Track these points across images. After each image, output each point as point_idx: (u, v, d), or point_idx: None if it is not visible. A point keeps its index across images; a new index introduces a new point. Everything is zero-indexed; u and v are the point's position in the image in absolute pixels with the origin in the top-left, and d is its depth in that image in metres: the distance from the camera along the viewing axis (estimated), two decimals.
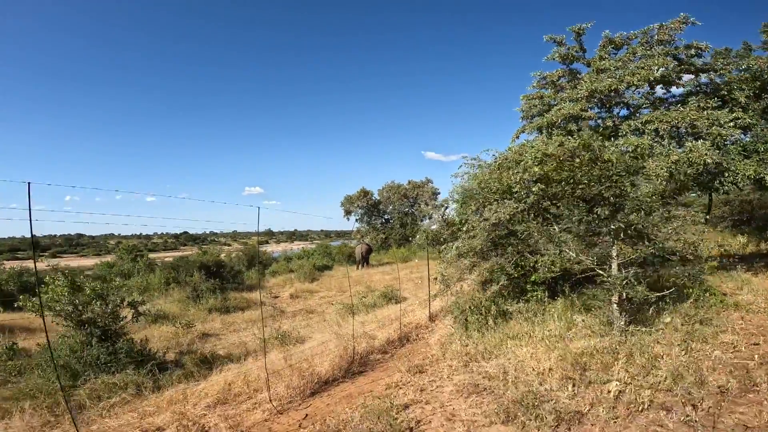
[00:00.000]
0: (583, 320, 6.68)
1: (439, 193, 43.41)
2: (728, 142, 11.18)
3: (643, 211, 5.61)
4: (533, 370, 5.52)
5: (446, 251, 10.25)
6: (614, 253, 5.93)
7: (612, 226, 5.72)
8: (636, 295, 5.64)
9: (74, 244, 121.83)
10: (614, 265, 5.98)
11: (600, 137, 10.50)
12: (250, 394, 6.37)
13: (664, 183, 7.41)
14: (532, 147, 9.97)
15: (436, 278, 10.20)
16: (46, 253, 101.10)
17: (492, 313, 8.49)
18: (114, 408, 6.44)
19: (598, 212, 5.60)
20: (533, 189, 8.48)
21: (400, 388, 6.03)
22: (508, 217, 8.09)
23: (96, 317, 7.62)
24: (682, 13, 11.71)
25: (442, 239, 10.69)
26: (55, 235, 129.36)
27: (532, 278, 9.10)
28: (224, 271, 22.21)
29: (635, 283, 5.68)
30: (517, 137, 14.71)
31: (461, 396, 5.28)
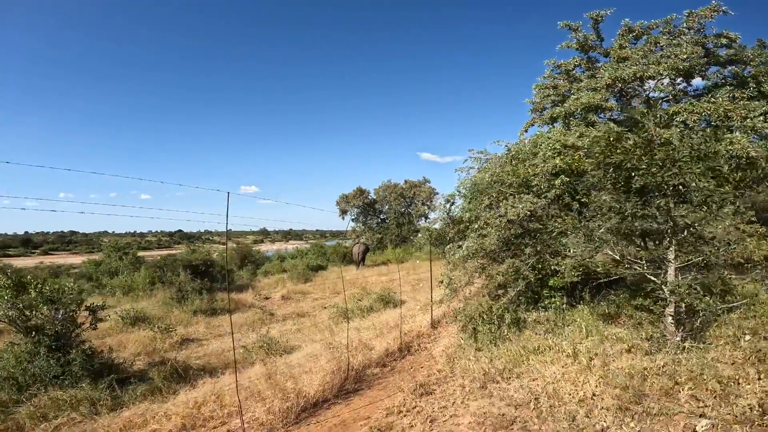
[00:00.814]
0: (629, 334, 5.64)
1: (436, 193, 42.55)
2: (757, 136, 10.26)
3: (714, 205, 4.59)
4: (571, 396, 4.49)
5: (452, 252, 9.23)
6: (671, 255, 4.90)
7: (670, 223, 4.69)
8: (706, 307, 4.60)
9: (67, 241, 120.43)
10: (671, 270, 4.95)
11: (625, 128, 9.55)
12: (222, 419, 5.29)
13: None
14: (549, 138, 9.00)
15: (441, 281, 9.16)
16: (38, 251, 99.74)
17: (506, 322, 7.48)
18: (59, 430, 5.38)
19: (660, 204, 4.56)
20: (555, 182, 7.49)
21: (405, 415, 4.98)
22: (528, 213, 7.08)
23: (44, 323, 6.54)
24: (713, 1, 10.80)
25: (447, 238, 9.65)
26: (47, 232, 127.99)
27: (550, 282, 8.10)
28: (214, 271, 21.14)
29: (701, 291, 4.64)
30: (526, 131, 13.78)
31: None
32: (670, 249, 4.89)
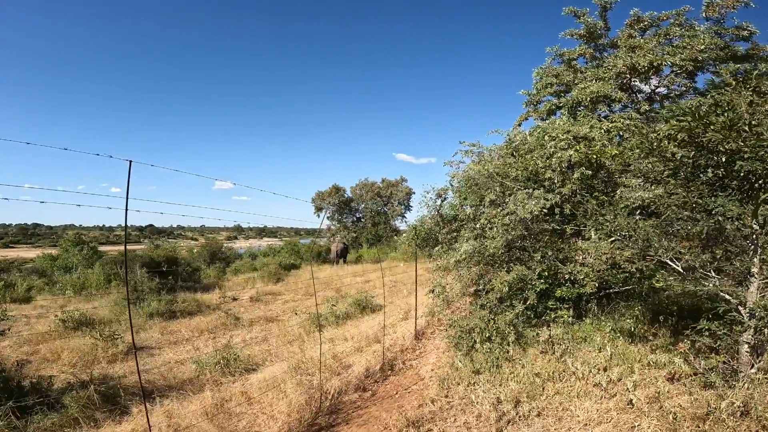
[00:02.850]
0: (685, 363, 4.53)
1: (413, 193, 41.72)
2: None
3: None
4: None
5: (443, 254, 8.07)
6: (755, 268, 3.81)
7: (760, 227, 3.59)
8: None
9: (30, 234, 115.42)
10: (753, 287, 3.86)
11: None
12: None
13: None
14: (556, 128, 7.93)
15: (432, 290, 7.94)
16: None
17: (510, 339, 6.33)
18: None
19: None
20: (573, 176, 6.39)
21: None
22: (544, 210, 5.98)
23: None
24: None
25: (439, 239, 8.47)
26: (9, 225, 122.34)
27: (557, 293, 7.00)
28: (178, 268, 19.52)
29: None
30: (519, 124, 12.75)
31: None
32: (755, 260, 3.79)
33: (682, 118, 3.75)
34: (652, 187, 4.45)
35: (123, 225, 3.48)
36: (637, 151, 4.54)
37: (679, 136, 3.73)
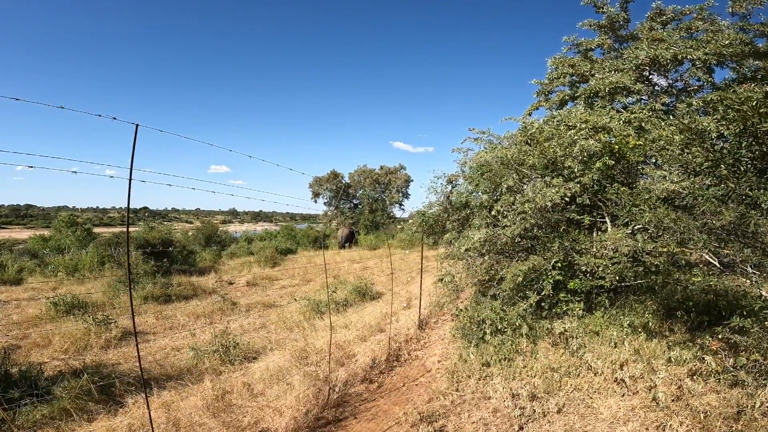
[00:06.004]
0: (708, 358, 4.29)
1: (412, 181, 41.55)
2: None
3: None
4: None
5: (453, 241, 7.81)
6: None
7: None
8: None
9: (22, 215, 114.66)
10: None
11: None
12: None
13: None
14: (572, 117, 7.66)
15: (441, 279, 7.70)
16: None
17: (523, 332, 6.11)
18: None
19: None
20: (596, 165, 6.13)
21: None
22: (566, 199, 5.74)
23: None
24: None
25: (447, 227, 8.20)
26: (1, 205, 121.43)
27: (570, 285, 6.77)
28: (173, 251, 19.17)
29: None
30: (530, 114, 12.45)
31: None
32: None
33: (738, 107, 3.47)
34: (689, 178, 4.18)
35: (122, 205, 3.18)
36: (669, 141, 4.26)
37: (731, 126, 3.46)
